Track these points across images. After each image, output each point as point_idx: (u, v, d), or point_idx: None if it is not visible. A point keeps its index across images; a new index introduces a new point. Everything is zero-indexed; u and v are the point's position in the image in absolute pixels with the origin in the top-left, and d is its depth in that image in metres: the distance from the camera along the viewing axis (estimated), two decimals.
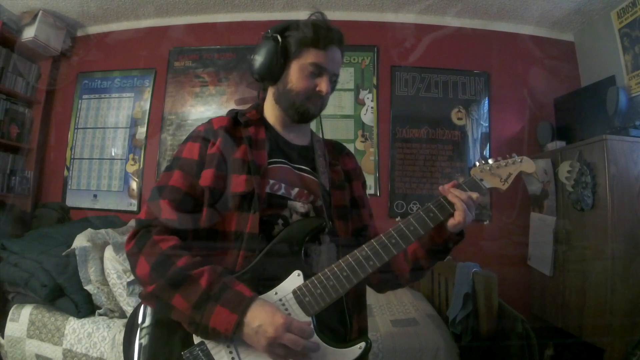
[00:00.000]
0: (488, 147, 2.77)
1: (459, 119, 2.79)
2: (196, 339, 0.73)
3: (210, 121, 0.92)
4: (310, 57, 0.87)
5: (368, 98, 2.83)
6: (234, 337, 0.69)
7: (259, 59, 0.90)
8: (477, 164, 0.89)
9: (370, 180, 2.73)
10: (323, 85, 0.88)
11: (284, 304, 0.75)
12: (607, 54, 2.51)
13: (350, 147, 2.75)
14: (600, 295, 1.88)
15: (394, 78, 2.84)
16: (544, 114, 2.72)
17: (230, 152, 0.86)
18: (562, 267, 2.21)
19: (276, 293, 0.76)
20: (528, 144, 2.71)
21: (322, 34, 0.87)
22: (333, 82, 0.92)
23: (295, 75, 0.88)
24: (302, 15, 0.93)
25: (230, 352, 0.72)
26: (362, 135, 2.79)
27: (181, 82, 2.96)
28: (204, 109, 2.91)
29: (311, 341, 0.71)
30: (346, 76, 2.83)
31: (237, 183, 0.82)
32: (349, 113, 2.81)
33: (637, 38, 2.28)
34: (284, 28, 0.89)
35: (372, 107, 2.82)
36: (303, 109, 0.89)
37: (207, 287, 0.70)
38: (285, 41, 0.88)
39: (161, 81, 2.98)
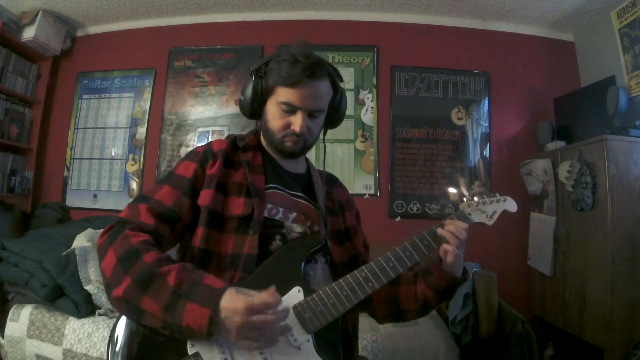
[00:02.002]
0: (488, 147, 2.77)
1: (459, 119, 2.79)
2: (190, 350, 0.70)
3: (210, 143, 0.92)
4: (282, 95, 0.86)
5: (368, 98, 2.83)
6: (210, 333, 0.65)
7: (242, 98, 0.92)
8: (465, 199, 0.92)
9: (370, 180, 2.73)
10: (297, 124, 0.86)
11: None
12: (607, 54, 2.51)
13: (350, 147, 2.76)
14: (600, 295, 1.88)
15: (394, 78, 2.84)
16: (544, 114, 2.72)
17: (229, 175, 0.87)
18: (562, 267, 2.21)
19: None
20: (528, 144, 2.71)
21: (293, 71, 0.83)
22: (315, 117, 0.89)
23: (270, 114, 0.89)
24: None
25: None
26: (362, 135, 2.79)
27: (181, 82, 2.96)
28: (204, 109, 2.91)
29: (281, 309, 0.68)
30: (346, 76, 2.83)
31: (236, 205, 0.83)
32: (349, 113, 2.76)
33: (637, 38, 2.28)
34: (265, 63, 0.90)
35: (372, 107, 2.82)
36: (281, 147, 0.89)
37: (176, 284, 0.67)
38: (262, 79, 0.89)
39: (161, 81, 2.98)
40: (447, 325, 1.82)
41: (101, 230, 0.80)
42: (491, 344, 1.68)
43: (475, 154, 2.76)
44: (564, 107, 2.59)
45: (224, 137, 0.98)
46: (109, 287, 0.71)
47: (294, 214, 0.88)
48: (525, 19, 2.80)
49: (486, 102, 2.81)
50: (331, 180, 1.06)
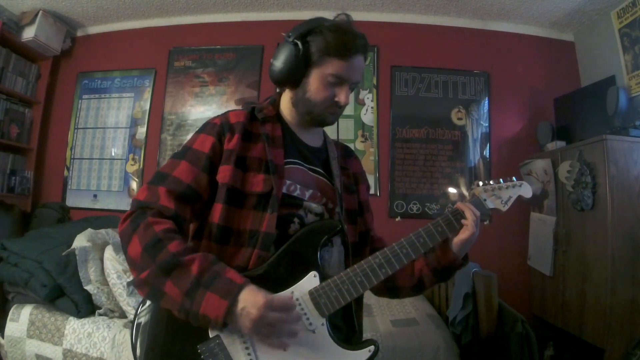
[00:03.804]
0: (488, 147, 2.77)
1: (459, 119, 2.79)
2: (211, 333, 0.73)
3: (226, 114, 0.89)
4: (331, 67, 0.84)
5: (368, 98, 2.83)
6: (224, 324, 0.69)
7: (277, 64, 0.87)
8: (481, 183, 0.92)
9: (370, 180, 2.70)
10: (342, 96, 0.86)
11: (300, 304, 0.77)
12: (607, 54, 2.51)
13: (350, 147, 2.76)
14: (600, 295, 1.88)
15: (394, 78, 2.84)
16: (544, 114, 2.72)
17: (248, 149, 0.85)
18: (562, 267, 2.21)
19: (292, 292, 0.77)
20: (528, 144, 2.71)
21: (346, 43, 0.83)
22: (352, 89, 0.91)
23: (314, 84, 0.86)
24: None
25: (246, 346, 0.73)
26: (362, 135, 2.79)
27: (181, 82, 2.97)
28: (204, 109, 2.91)
29: (294, 313, 0.73)
30: None
31: (255, 182, 0.82)
32: (349, 113, 2.81)
33: (637, 38, 2.28)
34: (307, 31, 0.85)
35: (372, 107, 2.82)
36: (320, 118, 0.88)
37: (198, 273, 0.70)
38: (306, 47, 0.84)
39: (161, 81, 2.98)
40: (447, 325, 1.81)
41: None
42: (491, 344, 1.68)
43: (475, 154, 2.76)
44: (564, 107, 2.59)
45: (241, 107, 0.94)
46: (136, 271, 0.73)
47: (311, 191, 0.88)
48: (525, 19, 2.80)
49: (486, 102, 2.81)
50: (347, 152, 1.06)
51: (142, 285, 0.72)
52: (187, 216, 0.81)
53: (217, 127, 0.86)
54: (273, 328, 0.69)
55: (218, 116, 0.90)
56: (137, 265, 0.73)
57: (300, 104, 0.89)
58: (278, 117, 0.93)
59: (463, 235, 0.85)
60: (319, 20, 0.87)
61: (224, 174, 0.82)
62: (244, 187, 0.82)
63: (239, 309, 0.68)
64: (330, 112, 0.88)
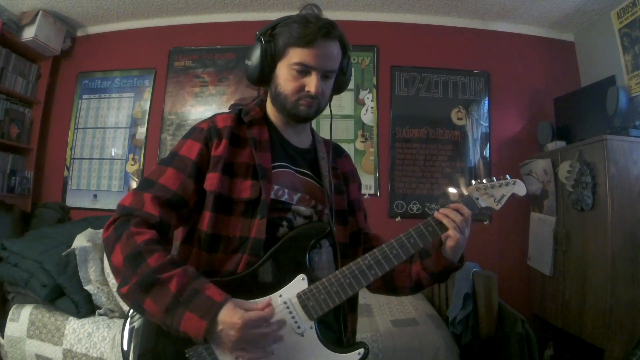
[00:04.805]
0: (488, 147, 2.77)
1: (459, 119, 2.79)
2: None
3: (213, 118, 0.88)
4: (295, 56, 0.82)
5: (368, 98, 2.83)
6: (205, 341, 0.69)
7: (249, 63, 0.88)
8: (474, 182, 0.92)
9: (370, 181, 2.73)
10: (312, 85, 0.83)
11: (288, 307, 0.76)
12: (607, 54, 2.51)
13: (350, 147, 2.76)
14: (600, 295, 1.88)
15: (394, 78, 2.84)
16: (544, 114, 2.72)
17: (236, 154, 0.84)
18: (562, 267, 2.21)
19: (281, 295, 0.77)
20: (528, 144, 2.71)
21: (307, 30, 0.81)
22: (328, 78, 0.87)
23: (282, 76, 0.85)
24: None
25: None
26: (362, 135, 2.79)
27: (181, 82, 2.97)
28: (204, 109, 2.91)
29: (275, 321, 0.73)
30: None
31: (243, 188, 0.82)
32: (349, 113, 2.81)
33: (637, 38, 2.28)
34: (272, 27, 0.86)
35: (372, 107, 2.82)
36: (294, 111, 0.86)
37: (177, 292, 0.69)
38: (271, 42, 0.85)
39: (161, 81, 2.98)
40: (447, 325, 1.81)
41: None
42: (491, 344, 1.68)
43: (475, 154, 2.76)
44: (564, 107, 2.60)
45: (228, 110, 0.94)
46: (120, 279, 0.73)
47: (299, 195, 0.87)
48: (525, 19, 2.80)
49: (486, 102, 2.81)
50: (337, 151, 1.04)
51: (124, 299, 0.72)
52: (172, 222, 0.80)
53: (205, 133, 0.85)
54: (256, 343, 0.70)
55: (205, 120, 0.88)
56: (120, 274, 0.73)
57: (275, 100, 0.88)
58: (265, 118, 0.92)
59: (451, 243, 0.85)
60: (285, 17, 0.87)
61: (211, 181, 0.81)
62: (232, 194, 0.81)
63: (218, 330, 0.68)
64: (303, 103, 0.85)
